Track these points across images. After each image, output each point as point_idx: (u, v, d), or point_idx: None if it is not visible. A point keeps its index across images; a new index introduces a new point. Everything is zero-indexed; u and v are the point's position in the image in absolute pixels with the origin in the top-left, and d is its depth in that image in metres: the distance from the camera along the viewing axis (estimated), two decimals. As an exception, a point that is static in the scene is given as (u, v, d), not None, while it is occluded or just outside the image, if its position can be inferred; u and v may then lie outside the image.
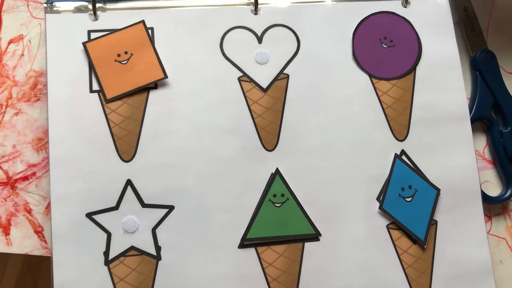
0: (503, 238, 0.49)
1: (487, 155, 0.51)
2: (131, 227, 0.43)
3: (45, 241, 0.45)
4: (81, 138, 0.44)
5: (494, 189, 0.50)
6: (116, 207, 0.43)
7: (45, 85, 0.47)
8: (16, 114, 0.47)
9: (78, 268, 0.42)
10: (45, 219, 0.46)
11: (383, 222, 0.45)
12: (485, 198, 0.48)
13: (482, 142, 0.51)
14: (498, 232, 0.49)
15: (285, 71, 0.47)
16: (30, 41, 0.49)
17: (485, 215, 0.48)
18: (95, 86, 0.45)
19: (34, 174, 0.47)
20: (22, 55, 0.49)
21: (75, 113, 0.44)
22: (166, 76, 0.45)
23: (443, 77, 0.48)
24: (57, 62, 0.45)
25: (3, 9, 0.50)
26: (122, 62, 0.45)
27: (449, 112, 0.47)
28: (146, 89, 0.45)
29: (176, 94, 0.45)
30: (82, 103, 0.44)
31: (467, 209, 0.46)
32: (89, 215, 0.43)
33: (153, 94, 0.45)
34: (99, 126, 0.44)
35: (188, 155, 0.44)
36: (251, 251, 0.44)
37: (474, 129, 0.50)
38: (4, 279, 1.03)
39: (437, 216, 0.46)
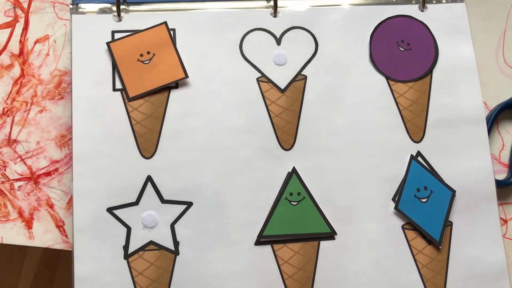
0: (519, 242, 0.49)
1: (503, 158, 0.51)
2: (151, 222, 0.44)
3: (66, 236, 0.47)
4: (104, 135, 0.45)
5: (510, 193, 0.50)
6: (136, 203, 0.44)
7: (69, 83, 0.48)
8: (41, 111, 0.49)
9: (98, 262, 0.43)
10: (67, 214, 0.47)
11: (399, 222, 0.46)
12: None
13: (498, 146, 0.51)
14: (514, 235, 0.49)
15: (303, 73, 0.48)
16: (55, 41, 0.50)
17: (501, 218, 0.49)
18: (118, 85, 0.46)
19: (56, 170, 0.48)
20: (48, 54, 0.50)
21: (98, 111, 0.45)
22: (186, 76, 0.46)
23: (459, 80, 0.48)
24: (82, 61, 0.46)
25: (30, 10, 0.51)
26: (145, 62, 0.47)
27: (465, 114, 0.48)
28: (167, 88, 0.46)
29: (196, 93, 0.46)
30: (105, 101, 0.46)
31: (482, 211, 0.46)
32: (110, 210, 0.44)
33: (174, 93, 0.46)
34: (121, 123, 0.45)
35: (207, 153, 0.45)
36: (267, 248, 0.44)
37: (491, 133, 0.50)
38: (21, 278, 1.05)
39: (453, 218, 0.46)
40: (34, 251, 1.06)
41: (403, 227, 0.45)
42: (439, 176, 0.46)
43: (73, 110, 0.45)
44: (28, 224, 0.47)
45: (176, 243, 0.44)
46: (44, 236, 0.47)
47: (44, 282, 1.05)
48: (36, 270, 1.05)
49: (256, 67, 0.48)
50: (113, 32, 0.47)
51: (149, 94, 0.46)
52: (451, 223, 0.46)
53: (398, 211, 0.45)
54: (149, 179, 0.45)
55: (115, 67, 0.46)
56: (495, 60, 0.53)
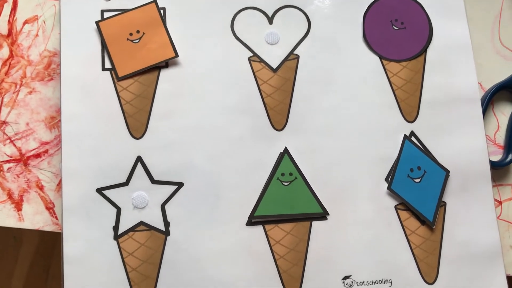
0: (514, 224, 0.49)
1: (498, 140, 0.50)
2: (141, 203, 0.44)
3: (56, 217, 0.46)
4: (93, 115, 0.45)
5: (505, 174, 0.49)
6: (126, 183, 0.44)
7: (59, 64, 0.47)
8: (30, 92, 0.48)
9: (88, 242, 0.43)
10: (57, 195, 0.46)
11: (392, 202, 0.45)
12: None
13: (493, 127, 0.50)
14: (508, 217, 0.48)
15: (295, 52, 0.47)
16: (44, 22, 0.50)
17: (496, 200, 0.48)
18: (107, 64, 0.46)
19: (46, 151, 0.47)
20: (37, 35, 0.49)
21: (87, 91, 0.45)
22: (177, 55, 0.46)
23: (454, 60, 0.48)
24: (71, 41, 0.46)
25: (19, -9, 0.50)
26: (134, 41, 0.46)
27: (460, 94, 0.47)
28: (157, 67, 0.46)
29: (187, 73, 0.46)
30: (94, 81, 0.45)
31: (476, 192, 0.46)
32: (100, 191, 0.43)
33: (164, 73, 0.46)
34: (110, 103, 0.45)
35: (197, 133, 0.45)
36: (259, 229, 0.44)
37: (486, 114, 0.50)
38: (17, 266, 1.05)
39: (446, 198, 0.46)
40: (29, 240, 1.06)
41: (396, 208, 0.45)
42: (433, 156, 0.46)
43: (62, 90, 0.45)
44: (18, 206, 0.46)
45: (166, 224, 0.44)
46: (34, 218, 0.46)
47: (40, 271, 1.05)
48: (32, 259, 1.05)
49: (248, 46, 0.47)
50: (102, 11, 0.47)
51: (138, 73, 0.45)
52: (445, 204, 0.45)
53: (391, 191, 0.45)
54: (139, 159, 0.44)
55: (104, 46, 0.46)
56: (490, 40, 0.52)
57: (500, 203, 0.49)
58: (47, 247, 1.06)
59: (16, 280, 1.04)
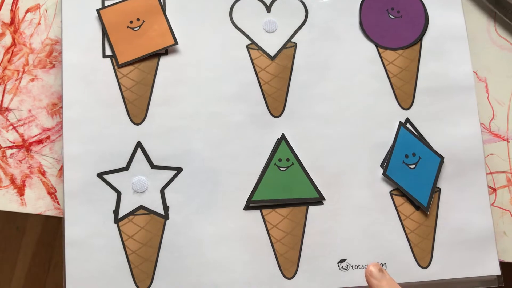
0: (507, 210, 0.49)
1: (493, 128, 0.51)
2: (141, 187, 0.44)
3: (58, 202, 0.47)
4: (94, 101, 0.45)
5: (499, 162, 0.50)
6: (126, 168, 0.45)
7: (60, 52, 0.48)
8: (32, 80, 0.49)
9: (89, 226, 0.44)
10: (58, 181, 0.47)
11: (387, 188, 0.46)
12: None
13: (488, 115, 0.51)
14: (503, 204, 0.49)
15: (293, 40, 0.48)
16: (46, 11, 0.50)
17: (490, 187, 0.49)
18: (108, 52, 0.46)
19: (48, 138, 0.48)
20: (39, 23, 0.50)
21: (88, 77, 0.46)
22: (176, 43, 0.46)
23: (449, 48, 0.48)
24: (72, 28, 0.46)
25: (21, -20, 0.51)
26: (134, 29, 0.47)
27: (455, 82, 0.48)
28: (157, 55, 0.47)
29: (186, 60, 0.47)
30: (95, 68, 0.46)
31: (470, 178, 0.46)
32: (100, 175, 0.44)
33: (163, 60, 0.47)
34: (111, 90, 0.46)
35: (196, 119, 0.46)
36: (256, 213, 0.45)
37: (480, 102, 0.50)
38: (19, 257, 1.06)
39: (441, 184, 0.46)
40: (32, 230, 1.07)
41: (391, 193, 0.46)
42: (428, 143, 0.47)
43: (63, 77, 0.46)
44: (20, 191, 0.47)
45: (166, 208, 0.44)
46: (36, 203, 0.47)
47: (42, 261, 1.05)
48: (34, 250, 1.06)
49: (246, 34, 0.48)
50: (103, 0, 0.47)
51: (138, 60, 0.46)
52: (439, 189, 0.46)
53: (386, 177, 0.46)
54: (139, 145, 0.45)
55: (105, 34, 0.47)
56: (486, 30, 0.52)
57: (494, 190, 0.49)
58: (50, 237, 1.07)
59: (18, 269, 1.05)
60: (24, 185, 0.47)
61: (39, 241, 1.06)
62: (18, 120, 0.48)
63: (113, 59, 0.46)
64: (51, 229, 1.07)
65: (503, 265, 0.47)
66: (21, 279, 1.04)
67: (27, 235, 1.07)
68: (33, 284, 1.04)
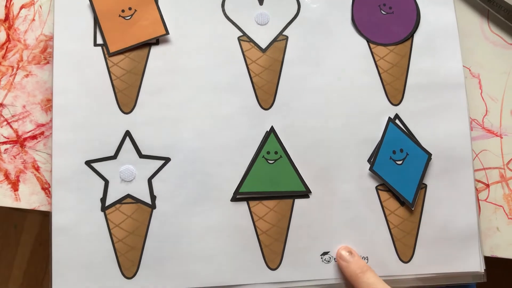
0: (500, 206, 0.49)
1: (486, 124, 0.51)
2: (128, 176, 0.45)
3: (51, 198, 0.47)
4: (84, 89, 0.45)
5: (492, 158, 0.50)
6: (114, 157, 0.45)
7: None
8: (27, 76, 0.49)
9: (76, 213, 0.44)
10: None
11: (373, 183, 0.46)
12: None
13: (481, 111, 0.51)
14: (496, 200, 0.49)
15: (284, 33, 0.48)
16: (41, 7, 0.50)
17: (483, 183, 0.49)
18: (99, 40, 0.46)
19: (42, 133, 0.48)
20: (33, 20, 0.50)
21: (79, 65, 0.46)
22: (167, 33, 0.46)
23: (440, 45, 0.48)
24: (64, 16, 0.46)
25: (15, -27, 0.51)
26: (126, 18, 0.47)
27: (445, 79, 0.48)
28: (148, 44, 0.47)
29: (177, 50, 0.47)
30: (86, 56, 0.46)
31: (457, 175, 0.47)
32: (88, 163, 0.45)
33: (154, 50, 0.47)
34: (101, 78, 0.46)
35: (186, 110, 0.46)
36: (243, 205, 0.45)
37: (473, 98, 0.50)
38: (17, 255, 1.06)
39: (428, 180, 0.47)
40: (30, 228, 1.07)
41: (377, 188, 0.46)
42: (416, 139, 0.47)
43: (54, 64, 0.46)
44: (15, 186, 0.47)
45: (153, 197, 0.45)
46: (30, 198, 0.47)
47: (40, 259, 1.06)
48: (32, 248, 1.06)
49: (238, 26, 0.48)
50: (95, -13, 0.47)
51: (129, 49, 0.46)
52: (426, 186, 0.47)
53: (373, 172, 0.46)
54: (127, 133, 0.45)
55: (96, 22, 0.46)
56: (479, 27, 0.53)
57: (487, 186, 0.50)
58: (48, 235, 1.07)
59: (16, 268, 1.05)
60: (18, 181, 0.47)
61: (37, 239, 1.07)
62: (13, 116, 0.48)
63: (104, 47, 0.46)
64: (48, 227, 1.07)
65: (498, 260, 0.48)
66: (19, 277, 1.05)
67: (25, 233, 1.07)
68: (31, 282, 1.04)
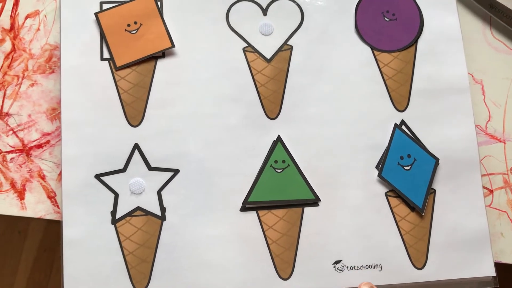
0: (504, 212, 0.49)
1: (489, 130, 0.51)
2: (138, 189, 0.45)
3: (57, 206, 0.47)
4: (92, 103, 0.46)
5: (496, 164, 0.50)
6: (123, 170, 0.45)
7: (59, 58, 0.48)
8: (32, 85, 0.49)
9: (86, 227, 0.44)
10: (58, 185, 0.48)
11: (382, 189, 0.46)
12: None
13: (484, 117, 0.51)
14: (500, 205, 0.49)
15: (289, 43, 0.48)
16: (46, 16, 0.51)
17: (487, 188, 0.49)
18: (106, 55, 0.47)
19: (48, 142, 0.49)
20: (38, 29, 0.51)
21: (86, 80, 0.46)
22: (173, 46, 0.47)
23: (444, 50, 0.49)
24: (71, 31, 0.47)
25: (21, -14, 0.52)
26: (132, 32, 0.47)
27: (450, 84, 0.48)
28: (154, 57, 0.47)
29: (183, 63, 0.47)
30: (93, 70, 0.47)
31: (465, 179, 0.47)
32: (98, 177, 0.45)
33: (160, 63, 0.47)
34: (109, 92, 0.46)
35: (193, 121, 0.46)
36: (252, 214, 0.45)
37: (476, 104, 0.51)
38: (21, 261, 1.06)
39: (436, 185, 0.47)
40: (34, 234, 1.07)
41: (386, 194, 0.46)
42: (423, 144, 0.47)
43: (62, 79, 0.46)
44: (21, 195, 0.48)
45: (162, 209, 0.45)
46: (36, 206, 0.47)
47: (43, 265, 1.06)
48: (36, 254, 1.06)
49: (243, 37, 0.48)
50: (101, 3, 0.48)
51: (136, 63, 0.47)
52: (434, 191, 0.46)
53: (382, 178, 0.46)
54: (136, 146, 0.45)
55: (103, 37, 0.47)
56: (482, 33, 0.53)
57: (491, 191, 0.50)
58: (51, 242, 1.07)
59: (20, 274, 1.05)
60: (24, 189, 0.48)
61: (41, 246, 1.07)
62: (18, 125, 0.49)
63: (111, 62, 0.47)
64: (52, 233, 1.07)
65: (501, 265, 0.47)
66: (23, 284, 1.05)
67: (29, 240, 1.07)
68: (35, 288, 1.05)
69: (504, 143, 0.51)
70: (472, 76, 0.52)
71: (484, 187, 0.49)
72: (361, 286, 0.40)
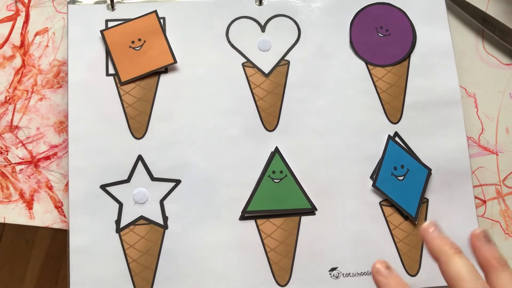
0: (497, 222, 0.50)
1: (482, 142, 0.52)
2: (141, 199, 0.47)
3: (64, 215, 0.49)
4: (97, 117, 0.48)
5: (489, 175, 0.52)
6: (127, 180, 0.47)
7: (67, 73, 0.50)
8: (41, 99, 0.51)
9: (92, 235, 0.46)
10: (65, 195, 0.49)
11: (376, 199, 0.48)
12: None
13: (477, 129, 0.53)
14: (493, 215, 0.50)
15: (286, 58, 0.50)
16: (54, 34, 0.53)
17: (480, 199, 0.50)
18: (111, 70, 0.49)
19: (55, 154, 0.50)
20: (47, 46, 0.52)
21: (92, 94, 0.48)
22: (175, 61, 0.49)
23: (436, 64, 0.50)
24: (77, 48, 0.49)
25: (31, 5, 0.54)
26: (136, 48, 0.49)
27: (442, 97, 0.50)
28: (157, 73, 0.49)
29: (185, 78, 0.49)
30: (99, 85, 0.48)
31: (457, 189, 0.48)
32: (103, 187, 0.47)
33: (163, 78, 0.49)
34: (114, 106, 0.48)
35: (194, 133, 0.48)
36: (251, 223, 0.47)
37: (469, 117, 0.52)
38: (28, 268, 1.07)
39: (429, 195, 0.48)
40: (40, 242, 1.09)
41: (380, 204, 0.48)
42: (416, 155, 0.48)
43: (69, 94, 0.48)
44: (29, 205, 0.49)
45: (165, 218, 0.46)
46: (43, 216, 0.49)
47: (50, 273, 1.07)
48: (43, 261, 1.08)
49: (242, 53, 0.50)
50: (106, 21, 0.50)
51: (140, 78, 0.49)
52: (427, 200, 0.48)
53: (376, 188, 0.47)
54: (139, 158, 0.47)
55: (108, 53, 0.49)
56: (474, 47, 0.54)
57: (484, 202, 0.51)
58: (58, 250, 1.09)
59: (27, 281, 1.07)
60: (32, 199, 0.49)
61: (48, 254, 1.08)
62: (27, 138, 0.50)
63: (116, 77, 0.49)
64: (59, 241, 1.09)
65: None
66: None
67: (36, 248, 1.09)
68: (42, 296, 1.06)
69: (497, 154, 0.52)
70: (465, 90, 0.53)
71: (477, 198, 0.50)
72: (375, 264, 0.37)
